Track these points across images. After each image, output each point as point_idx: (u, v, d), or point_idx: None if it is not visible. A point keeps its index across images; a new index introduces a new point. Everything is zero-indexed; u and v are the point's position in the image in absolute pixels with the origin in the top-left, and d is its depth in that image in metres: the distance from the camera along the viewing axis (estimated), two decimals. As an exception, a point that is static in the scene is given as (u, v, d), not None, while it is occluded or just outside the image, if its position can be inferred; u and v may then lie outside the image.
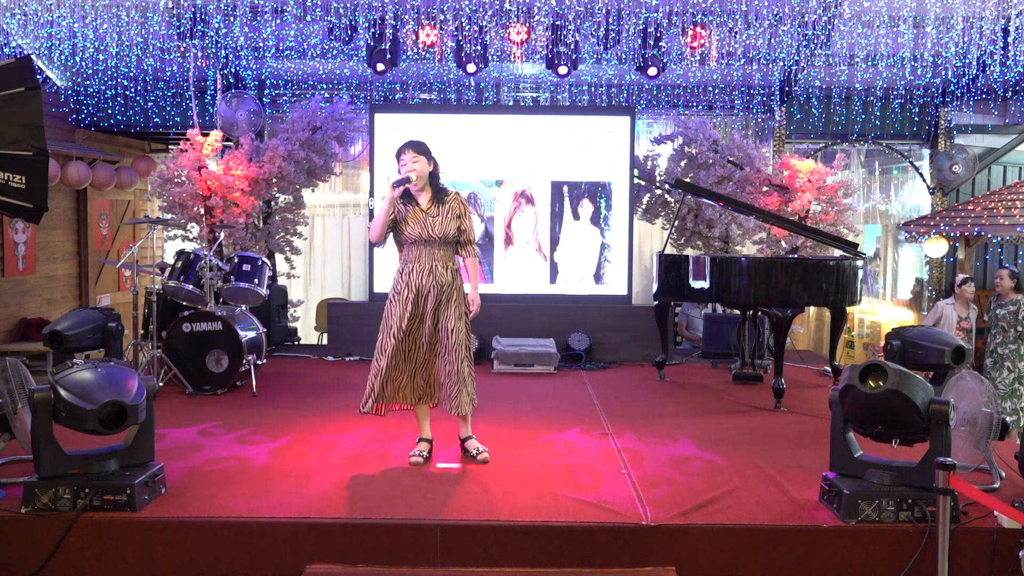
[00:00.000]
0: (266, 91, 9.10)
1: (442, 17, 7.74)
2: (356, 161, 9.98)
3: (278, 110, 9.18)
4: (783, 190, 8.22)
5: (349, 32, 7.79)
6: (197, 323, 6.12)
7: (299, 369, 7.36)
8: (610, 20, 7.76)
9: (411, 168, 4.39)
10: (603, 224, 8.39)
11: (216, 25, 8.04)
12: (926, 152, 9.45)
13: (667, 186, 8.54)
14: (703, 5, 7.69)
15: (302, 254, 9.16)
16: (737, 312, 7.16)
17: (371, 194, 8.39)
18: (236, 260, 6.43)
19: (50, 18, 7.63)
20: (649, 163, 8.68)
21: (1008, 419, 3.96)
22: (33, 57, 7.57)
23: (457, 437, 4.62)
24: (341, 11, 7.65)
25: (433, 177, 4.47)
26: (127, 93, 8.99)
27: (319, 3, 7.69)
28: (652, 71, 8.03)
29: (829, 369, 6.87)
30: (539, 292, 8.32)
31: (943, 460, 3.22)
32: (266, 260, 6.61)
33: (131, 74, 8.81)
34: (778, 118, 9.10)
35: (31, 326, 8.45)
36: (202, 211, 8.03)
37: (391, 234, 4.47)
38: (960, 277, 7.82)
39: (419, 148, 4.43)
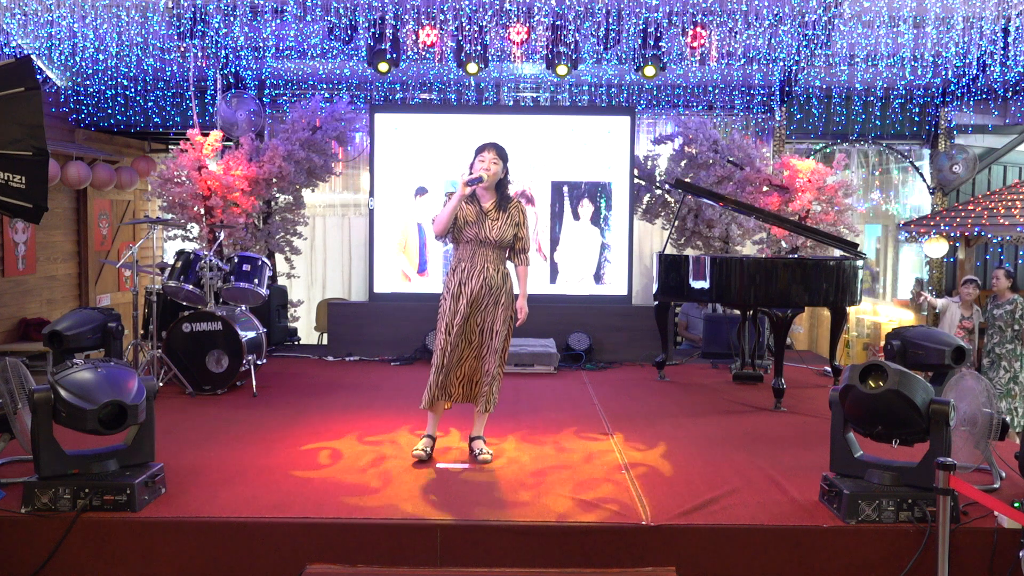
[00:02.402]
0: (266, 91, 9.09)
1: (442, 17, 7.73)
2: (356, 161, 9.99)
3: (278, 110, 9.18)
4: (783, 190, 8.22)
5: (349, 32, 7.79)
6: (197, 323, 6.12)
7: (299, 369, 7.36)
8: (610, 20, 7.76)
9: (488, 168, 4.40)
10: (603, 224, 8.39)
11: (216, 25, 8.04)
12: (926, 152, 9.45)
13: (667, 186, 8.54)
14: (703, 5, 7.68)
15: (302, 254, 9.16)
16: (737, 312, 7.16)
17: (371, 194, 8.39)
18: (236, 260, 6.42)
19: (50, 18, 7.63)
20: (649, 163, 8.68)
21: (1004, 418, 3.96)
22: (33, 57, 7.56)
23: (454, 436, 4.62)
24: (341, 11, 7.64)
25: (501, 183, 4.49)
26: (127, 93, 8.99)
27: (319, 3, 7.69)
28: (650, 71, 8.02)
29: (829, 369, 6.87)
30: (539, 292, 8.30)
31: (943, 460, 3.22)
32: (266, 260, 6.61)
33: (131, 74, 8.81)
34: (778, 118, 9.10)
35: (31, 326, 8.45)
36: (202, 211, 8.03)
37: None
38: (964, 279, 7.83)
39: (500, 151, 4.45)
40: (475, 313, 4.40)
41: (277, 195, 8.57)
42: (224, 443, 4.79)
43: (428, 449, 4.47)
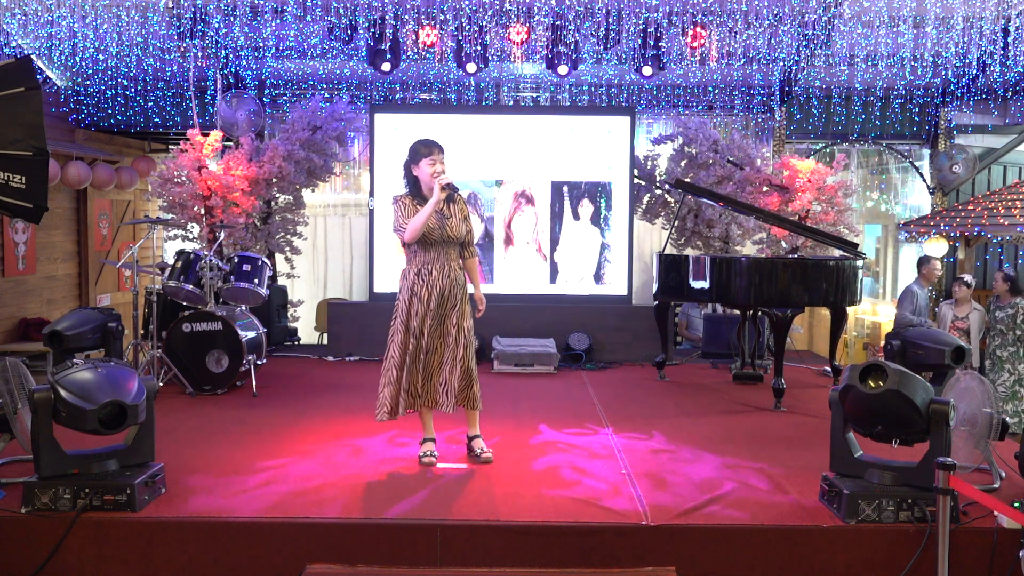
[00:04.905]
0: (266, 91, 9.10)
1: (442, 17, 7.74)
2: (356, 161, 9.99)
3: (278, 110, 9.18)
4: (783, 190, 8.22)
5: (349, 32, 7.79)
6: (197, 323, 6.12)
7: (299, 369, 7.36)
8: (610, 20, 7.76)
9: (444, 169, 4.35)
10: (603, 224, 8.39)
11: (216, 25, 8.05)
12: (926, 152, 9.45)
13: (667, 186, 8.54)
14: (703, 5, 7.69)
15: (304, 254, 9.16)
16: (737, 312, 7.16)
17: (371, 194, 8.39)
18: (236, 260, 6.43)
19: (50, 18, 7.63)
20: (649, 163, 8.68)
21: (1009, 421, 3.96)
22: (33, 57, 7.57)
23: (451, 436, 4.60)
24: (341, 11, 7.65)
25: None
26: (127, 93, 8.99)
27: (319, 3, 7.69)
28: (647, 70, 8.03)
29: (829, 369, 6.87)
30: (539, 292, 8.31)
31: (943, 460, 3.22)
32: (266, 260, 6.61)
33: (131, 74, 8.81)
34: (778, 118, 9.10)
35: (31, 326, 8.45)
36: (202, 211, 8.03)
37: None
38: (955, 279, 7.85)
39: (443, 148, 4.41)
40: (448, 314, 4.35)
41: (277, 195, 8.57)
42: (224, 443, 4.79)
43: (435, 452, 4.46)
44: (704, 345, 8.01)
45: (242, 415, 5.52)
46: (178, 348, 6.13)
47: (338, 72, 9.00)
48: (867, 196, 10.66)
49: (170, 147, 10.13)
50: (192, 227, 8.22)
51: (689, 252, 8.43)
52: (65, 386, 3.59)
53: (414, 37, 7.88)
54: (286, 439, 4.90)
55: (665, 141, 8.71)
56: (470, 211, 4.63)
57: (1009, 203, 8.22)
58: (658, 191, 8.68)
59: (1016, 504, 3.69)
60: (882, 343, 7.43)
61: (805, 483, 4.09)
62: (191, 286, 6.21)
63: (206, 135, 8.00)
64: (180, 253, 6.40)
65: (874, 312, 10.71)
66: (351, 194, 10.73)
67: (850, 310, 6.68)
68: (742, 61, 8.37)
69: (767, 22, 7.81)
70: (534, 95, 9.25)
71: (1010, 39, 7.62)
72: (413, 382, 4.35)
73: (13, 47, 7.98)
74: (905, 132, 9.27)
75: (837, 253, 6.64)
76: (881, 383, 3.59)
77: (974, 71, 8.51)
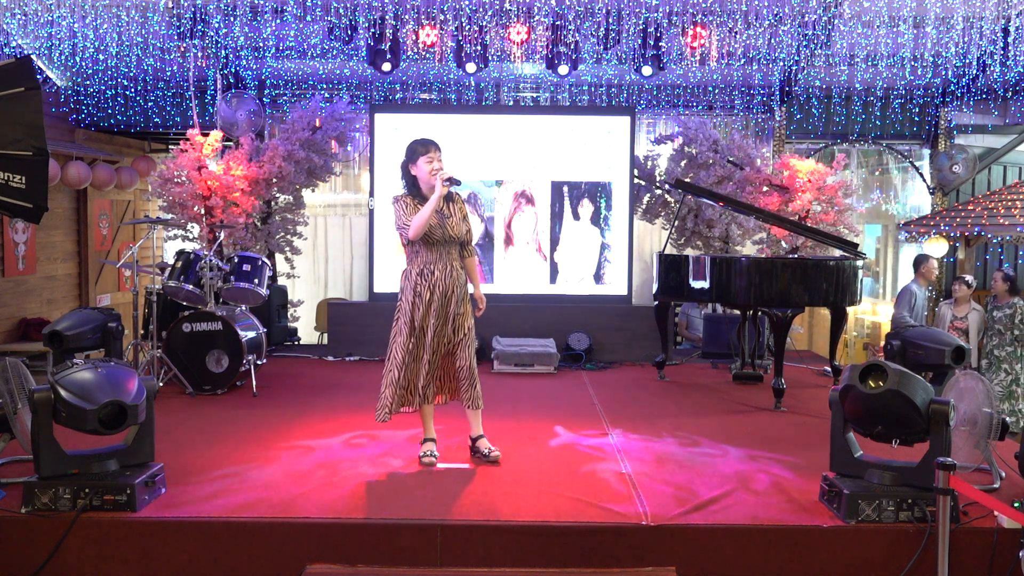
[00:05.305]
0: (266, 91, 9.10)
1: (442, 17, 7.74)
2: (356, 161, 9.99)
3: (278, 110, 9.18)
4: (783, 190, 8.22)
5: (349, 32, 7.79)
6: (197, 323, 6.12)
7: (299, 369, 7.36)
8: (610, 20, 7.77)
9: (442, 167, 4.34)
10: (603, 224, 8.39)
11: (216, 25, 8.05)
12: (926, 152, 9.45)
13: (667, 186, 8.54)
14: (703, 5, 7.69)
15: (304, 254, 9.16)
16: (737, 312, 7.16)
17: (371, 194, 8.39)
18: (236, 260, 6.43)
19: (50, 18, 7.64)
20: (649, 163, 8.68)
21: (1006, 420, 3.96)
22: (33, 57, 7.57)
23: (449, 436, 4.60)
24: (341, 11, 7.65)
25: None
26: (127, 93, 9.00)
27: (319, 3, 7.69)
28: (647, 70, 8.03)
29: (829, 369, 6.87)
30: (539, 292, 8.31)
31: (943, 460, 3.22)
32: (266, 260, 6.61)
33: (131, 74, 8.82)
34: (778, 118, 9.10)
35: (31, 326, 8.45)
36: (202, 211, 8.03)
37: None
38: (954, 278, 7.86)
39: (439, 147, 4.40)
40: (451, 315, 4.36)
41: (277, 195, 8.57)
42: (224, 443, 4.79)
43: (435, 453, 4.46)
44: (704, 345, 8.01)
45: (242, 415, 5.52)
46: (178, 348, 6.12)
47: (338, 72, 9.00)
48: (867, 196, 10.65)
49: (170, 147, 10.13)
50: (192, 227, 8.22)
51: (689, 252, 8.43)
52: (65, 386, 3.59)
53: (414, 37, 7.88)
54: (286, 439, 4.90)
55: (665, 141, 8.72)
56: (469, 211, 4.64)
57: (1009, 203, 8.22)
58: (658, 191, 8.68)
59: (1016, 504, 3.69)
60: (882, 343, 7.43)
61: (805, 483, 4.09)
62: (191, 286, 6.21)
63: (206, 135, 8.01)
64: (180, 253, 6.40)
65: (874, 312, 10.72)
66: (351, 194, 10.73)
67: (850, 310, 6.68)
68: (742, 61, 8.37)
69: (767, 22, 7.81)
70: (534, 95, 9.25)
71: (1010, 39, 7.62)
72: (414, 381, 4.36)
73: (13, 47, 7.98)
74: (905, 132, 9.27)
75: (837, 253, 6.64)
76: (881, 383, 3.59)
77: (974, 71, 8.51)
